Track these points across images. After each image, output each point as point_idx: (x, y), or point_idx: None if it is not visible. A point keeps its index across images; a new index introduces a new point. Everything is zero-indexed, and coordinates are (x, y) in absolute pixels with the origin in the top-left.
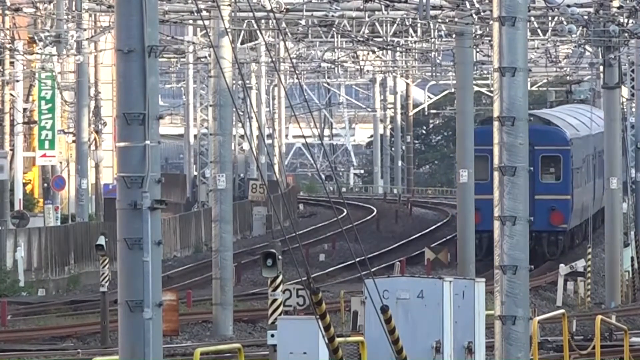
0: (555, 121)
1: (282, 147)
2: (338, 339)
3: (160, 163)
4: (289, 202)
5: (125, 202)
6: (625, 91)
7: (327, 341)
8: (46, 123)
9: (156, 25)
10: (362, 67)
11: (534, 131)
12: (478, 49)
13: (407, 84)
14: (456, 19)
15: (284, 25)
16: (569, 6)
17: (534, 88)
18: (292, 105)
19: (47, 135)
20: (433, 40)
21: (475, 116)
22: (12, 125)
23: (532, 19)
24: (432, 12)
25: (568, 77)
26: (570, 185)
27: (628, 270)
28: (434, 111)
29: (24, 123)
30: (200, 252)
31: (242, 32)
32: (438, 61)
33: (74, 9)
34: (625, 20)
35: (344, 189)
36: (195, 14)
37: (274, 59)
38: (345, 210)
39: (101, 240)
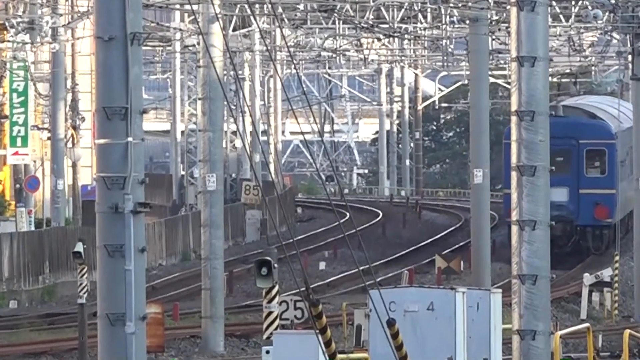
0: (599, 114)
1: (279, 144)
2: (340, 356)
3: (144, 162)
4: (286, 205)
5: (106, 205)
6: None
7: (327, 358)
8: (18, 118)
9: (139, 10)
10: (366, 56)
11: (579, 125)
12: (494, 37)
13: (416, 75)
14: (470, 4)
15: (280, 10)
16: None
17: (555, 79)
18: (289, 98)
19: (19, 131)
20: (444, 26)
21: (491, 110)
22: None
23: (554, 3)
24: None
25: (593, 67)
26: (615, 179)
27: None
28: (446, 105)
29: None
30: (188, 260)
31: (234, 17)
32: (450, 50)
33: None
34: None
35: (346, 191)
36: None
37: (269, 48)
38: (347, 214)
39: (79, 247)
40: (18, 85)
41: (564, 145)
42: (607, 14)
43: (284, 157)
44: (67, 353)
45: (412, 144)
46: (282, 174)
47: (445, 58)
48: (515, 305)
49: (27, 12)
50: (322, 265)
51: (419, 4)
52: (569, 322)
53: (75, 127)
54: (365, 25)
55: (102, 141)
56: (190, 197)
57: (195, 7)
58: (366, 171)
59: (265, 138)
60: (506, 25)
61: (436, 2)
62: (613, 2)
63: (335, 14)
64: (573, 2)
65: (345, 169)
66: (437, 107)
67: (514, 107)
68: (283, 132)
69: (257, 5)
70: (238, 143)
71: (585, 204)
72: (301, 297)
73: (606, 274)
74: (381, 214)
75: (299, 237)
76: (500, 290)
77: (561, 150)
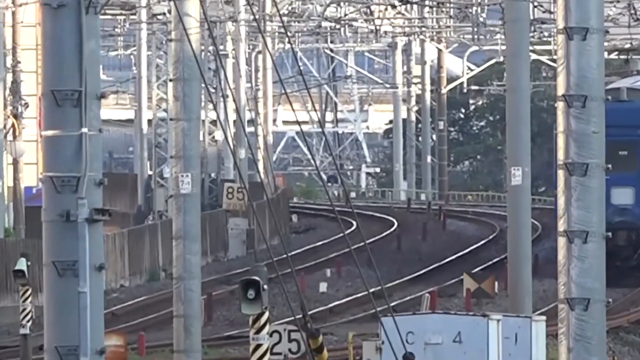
0: None
1: (269, 136)
2: None
3: (102, 158)
4: (279, 212)
5: (55, 212)
6: None
7: None
8: None
9: None
10: (377, 27)
11: None
12: (536, 3)
13: (440, 51)
14: None
15: None
16: None
17: (612, 56)
18: (282, 80)
19: None
20: None
21: (533, 94)
22: None
23: None
24: None
25: None
26: None
27: None
28: (476, 88)
29: None
30: (157, 280)
31: None
32: (482, 19)
33: None
34: None
35: (352, 194)
36: None
37: (257, 17)
38: (354, 223)
39: (21, 264)
40: None
41: (629, 137)
42: None
43: (276, 152)
44: None
45: (434, 136)
46: (273, 173)
47: (475, 30)
48: (563, 336)
49: None
50: (323, 286)
51: None
52: (629, 357)
53: (16, 116)
54: None
55: (50, 133)
56: (160, 202)
57: None
58: (377, 170)
59: (252, 129)
60: None
61: None
62: None
63: None
64: None
65: (351, 167)
66: (465, 90)
67: (560, 91)
68: (275, 121)
69: None
70: (219, 135)
71: None
72: (297, 326)
73: None
74: (396, 223)
75: (294, 252)
76: (543, 317)
77: (625, 142)
